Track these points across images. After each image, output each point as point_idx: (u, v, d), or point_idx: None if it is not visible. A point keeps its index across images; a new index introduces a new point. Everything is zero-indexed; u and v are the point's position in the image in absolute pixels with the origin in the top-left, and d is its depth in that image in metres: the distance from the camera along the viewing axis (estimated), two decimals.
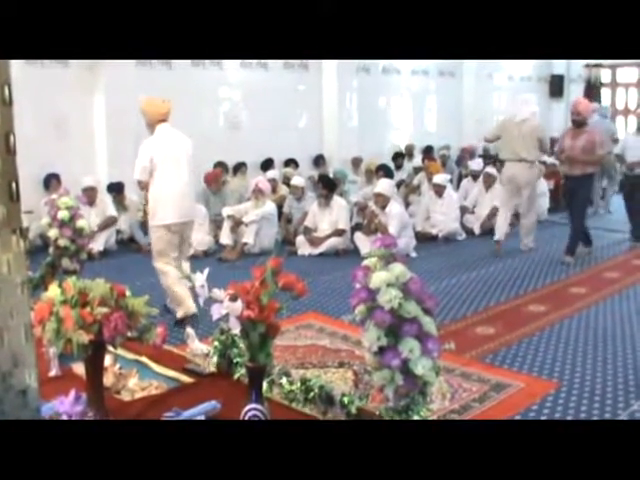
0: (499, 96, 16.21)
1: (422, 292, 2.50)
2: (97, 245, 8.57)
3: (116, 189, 9.39)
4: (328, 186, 9.16)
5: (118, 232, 9.35)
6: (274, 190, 10.01)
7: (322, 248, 8.85)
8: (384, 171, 10.26)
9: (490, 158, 13.10)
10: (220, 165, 10.67)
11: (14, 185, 1.14)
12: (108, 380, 3.00)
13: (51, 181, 9.02)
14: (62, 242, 4.77)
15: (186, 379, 3.18)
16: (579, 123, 8.16)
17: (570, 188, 8.38)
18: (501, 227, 8.78)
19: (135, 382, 3.09)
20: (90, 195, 8.82)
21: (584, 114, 8.16)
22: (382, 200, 8.54)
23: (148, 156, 5.76)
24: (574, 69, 17.14)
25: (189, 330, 3.47)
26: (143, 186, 5.93)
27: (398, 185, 11.13)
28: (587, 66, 16.75)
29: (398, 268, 2.48)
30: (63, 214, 4.76)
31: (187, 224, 5.98)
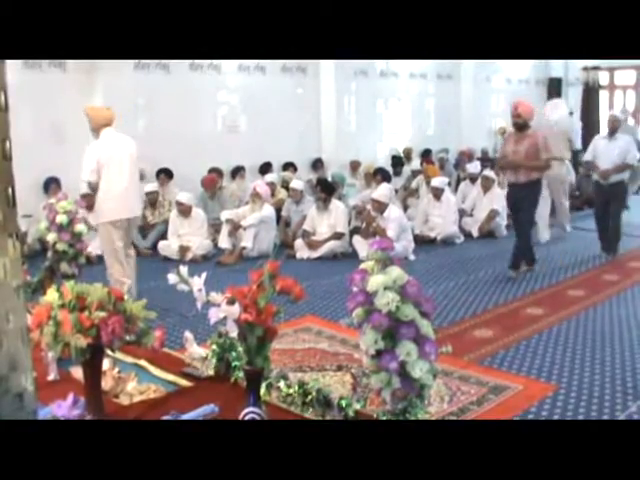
0: (497, 99, 16.23)
1: (419, 295, 2.51)
2: (95, 249, 8.56)
3: None
4: (326, 190, 9.17)
5: None
6: (272, 194, 10.02)
7: (321, 251, 8.85)
8: (382, 175, 10.28)
9: (488, 161, 13.12)
10: (214, 171, 10.67)
11: (10, 190, 1.14)
12: (107, 384, 3.01)
13: (50, 185, 9.02)
14: (60, 246, 4.78)
15: (184, 383, 3.18)
16: (520, 126, 7.61)
17: (515, 197, 7.72)
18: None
19: (133, 386, 3.09)
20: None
21: (525, 116, 7.57)
22: (379, 206, 8.56)
23: (94, 158, 6.19)
24: (572, 72, 17.15)
25: (187, 334, 3.48)
26: (93, 187, 6.33)
27: (397, 189, 11.15)
28: (585, 69, 16.77)
29: (395, 271, 2.49)
30: (61, 218, 4.77)
31: (131, 220, 6.50)
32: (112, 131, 6.36)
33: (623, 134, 8.71)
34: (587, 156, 8.93)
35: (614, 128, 8.57)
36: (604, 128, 16.07)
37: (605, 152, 8.47)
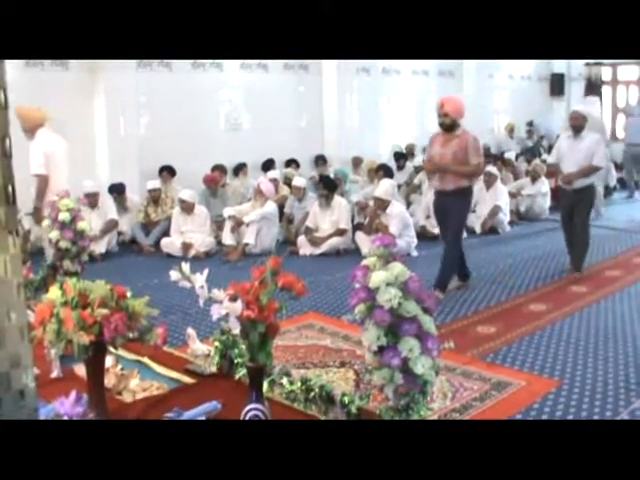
0: (499, 95, 16.22)
1: (421, 291, 2.51)
2: (99, 247, 8.59)
3: (117, 190, 9.42)
4: (329, 186, 9.17)
5: (119, 234, 9.37)
6: (275, 190, 10.03)
7: (323, 248, 8.86)
8: (384, 171, 10.27)
9: (490, 157, 13.11)
10: (218, 168, 10.68)
11: (10, 188, 1.15)
12: (110, 381, 3.01)
13: None
14: (63, 244, 4.78)
15: (187, 380, 3.19)
16: (448, 126, 6.67)
17: (442, 207, 6.75)
18: None
19: (136, 383, 3.10)
20: (92, 200, 8.84)
21: (453, 115, 6.63)
22: (381, 203, 8.56)
23: (40, 152, 6.34)
24: (574, 67, 17.15)
25: (190, 331, 3.48)
26: (44, 179, 6.39)
27: (399, 185, 11.15)
28: (587, 64, 16.76)
29: (397, 267, 2.49)
30: (64, 216, 4.77)
31: None
32: (47, 131, 6.49)
33: (591, 132, 7.53)
34: (551, 158, 7.88)
35: (577, 126, 7.36)
36: (607, 125, 16.11)
37: (569, 153, 7.37)
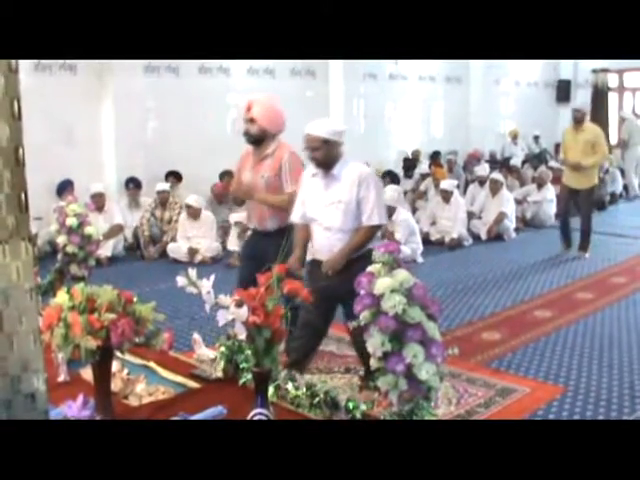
0: (506, 101, 16.21)
1: (426, 298, 2.53)
2: (105, 251, 8.61)
3: (135, 182, 9.51)
4: None
5: (126, 239, 9.39)
6: None
7: None
8: (390, 177, 10.28)
9: (496, 163, 13.11)
10: (227, 174, 10.69)
11: (23, 196, 1.17)
12: (116, 385, 3.03)
13: (67, 187, 9.03)
14: (70, 249, 4.81)
15: (193, 384, 3.20)
16: (254, 138, 4.89)
17: (259, 252, 4.38)
18: None
19: (142, 387, 3.11)
20: (98, 201, 8.85)
21: (262, 122, 4.81)
22: (387, 210, 8.55)
23: None
24: (581, 74, 17.11)
25: (196, 336, 3.50)
26: None
27: (406, 192, 11.15)
28: (594, 71, 16.72)
29: (402, 274, 2.51)
30: (71, 221, 4.80)
31: None
32: None
33: (357, 165, 4.23)
34: (294, 215, 4.33)
35: (321, 158, 4.13)
36: (613, 132, 16.09)
37: (317, 206, 4.18)
